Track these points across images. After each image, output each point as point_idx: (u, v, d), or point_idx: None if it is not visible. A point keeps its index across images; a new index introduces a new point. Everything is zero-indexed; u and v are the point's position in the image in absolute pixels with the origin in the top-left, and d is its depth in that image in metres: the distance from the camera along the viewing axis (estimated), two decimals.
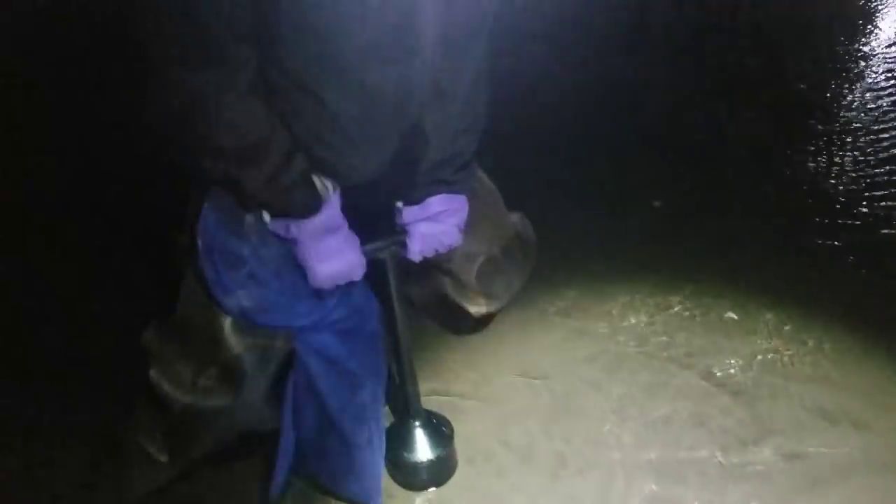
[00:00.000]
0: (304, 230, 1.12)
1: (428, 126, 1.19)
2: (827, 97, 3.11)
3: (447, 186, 1.27)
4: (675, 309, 2.05)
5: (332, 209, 1.14)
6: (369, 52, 1.00)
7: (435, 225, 1.29)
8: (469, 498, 1.55)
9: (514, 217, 1.65)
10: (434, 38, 1.05)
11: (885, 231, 2.29)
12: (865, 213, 2.37)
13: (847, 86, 3.19)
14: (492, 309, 1.64)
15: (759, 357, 1.87)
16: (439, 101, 1.16)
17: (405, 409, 1.56)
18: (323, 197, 1.12)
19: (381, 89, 1.05)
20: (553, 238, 2.30)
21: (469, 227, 1.39)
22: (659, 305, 2.06)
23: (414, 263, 1.34)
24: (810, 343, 1.90)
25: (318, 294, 1.23)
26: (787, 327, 1.95)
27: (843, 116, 2.94)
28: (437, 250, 1.32)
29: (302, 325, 1.23)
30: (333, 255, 1.17)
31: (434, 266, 1.54)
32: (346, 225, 1.19)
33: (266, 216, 1.12)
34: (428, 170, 1.24)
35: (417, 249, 1.30)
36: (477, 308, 1.63)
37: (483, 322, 1.69)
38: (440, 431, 1.58)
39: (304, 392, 1.31)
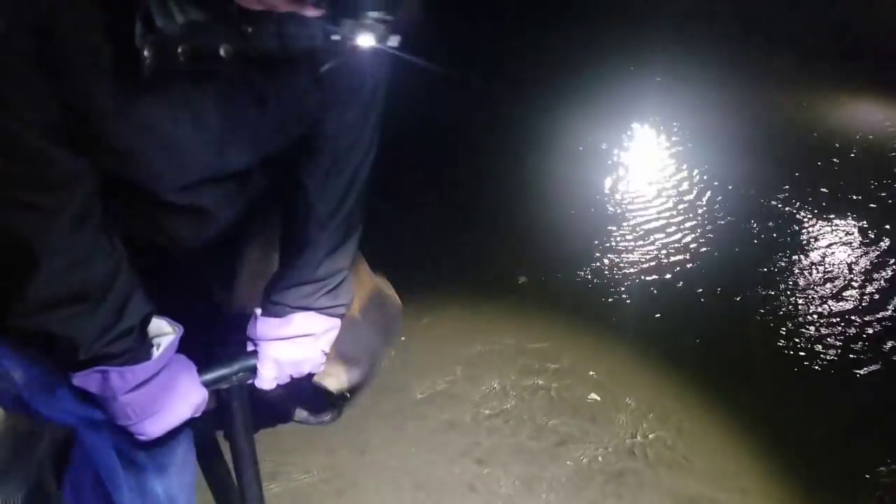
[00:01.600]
0: (129, 383, 0.91)
1: (285, 250, 1.09)
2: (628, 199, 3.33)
3: (316, 311, 1.12)
4: (543, 392, 2.04)
5: (168, 353, 0.96)
6: (192, 186, 0.91)
7: (294, 349, 1.11)
8: None
9: (376, 277, 1.52)
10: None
11: (735, 313, 2.45)
12: (708, 294, 2.52)
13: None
14: (353, 379, 1.45)
15: (624, 442, 1.90)
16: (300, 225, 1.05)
17: None
18: (156, 345, 0.95)
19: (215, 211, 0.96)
20: (417, 320, 2.24)
21: None
22: (527, 389, 2.04)
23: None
24: (670, 426, 1.96)
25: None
26: (647, 410, 2.00)
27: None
28: (291, 377, 1.15)
29: (90, 419, 0.98)
30: (166, 404, 0.97)
31: None
32: (181, 361, 1.00)
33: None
34: (288, 294, 1.10)
35: (271, 377, 1.11)
36: (335, 381, 1.43)
37: (343, 399, 1.53)
38: None
39: (88, 491, 1.08)
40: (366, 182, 1.09)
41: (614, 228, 2.83)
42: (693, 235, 2.81)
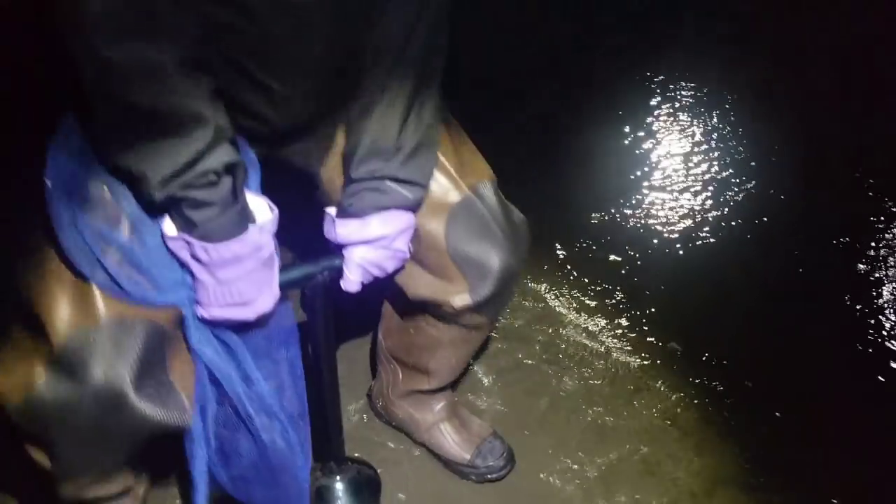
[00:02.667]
0: (214, 256, 0.87)
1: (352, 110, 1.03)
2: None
3: (395, 184, 1.04)
4: (619, 336, 1.90)
5: (262, 235, 0.91)
6: None
7: (376, 252, 1.06)
8: None
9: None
10: None
11: (829, 263, 2.23)
12: (802, 241, 2.31)
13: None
14: (480, 289, 1.15)
15: (706, 393, 1.75)
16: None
17: (326, 459, 1.31)
18: (252, 218, 0.90)
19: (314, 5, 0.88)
20: None
21: None
22: (602, 332, 1.91)
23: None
24: (755, 379, 1.80)
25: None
26: (732, 362, 1.85)
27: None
28: (377, 278, 1.10)
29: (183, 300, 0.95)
30: (240, 295, 0.92)
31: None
32: (272, 259, 0.95)
33: (168, 225, 0.88)
34: (362, 168, 1.03)
35: (357, 279, 1.07)
36: (457, 294, 1.17)
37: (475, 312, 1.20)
38: (363, 491, 1.34)
39: (202, 382, 1.06)
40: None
41: (701, 161, 2.61)
42: (790, 180, 2.57)
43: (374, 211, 1.03)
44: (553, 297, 2.00)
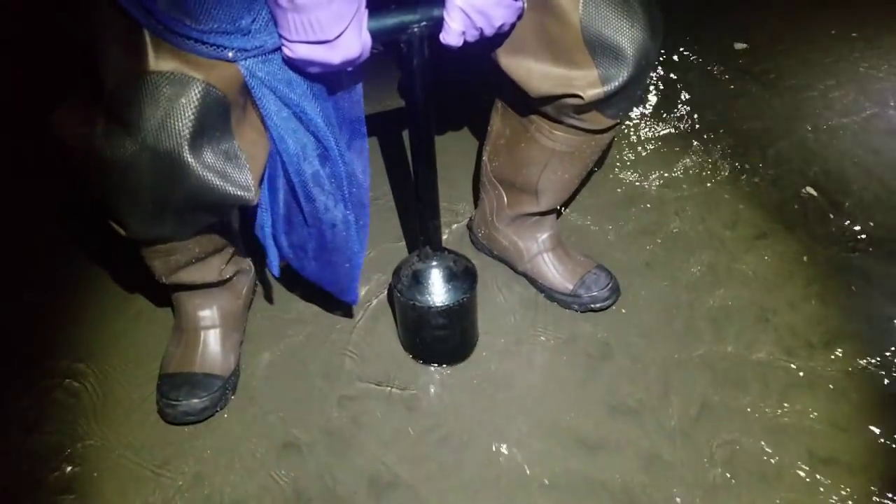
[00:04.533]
0: None
1: None
2: None
3: None
4: (747, 178, 1.75)
5: None
6: None
7: None
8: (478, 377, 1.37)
9: None
10: None
11: None
12: None
13: None
14: (614, 76, 1.04)
15: (838, 244, 1.61)
16: None
17: (422, 245, 1.26)
18: None
19: None
20: None
21: None
22: (728, 172, 1.76)
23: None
24: (888, 235, 1.63)
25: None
26: (869, 209, 1.67)
27: None
28: (482, 32, 0.97)
29: (239, 46, 0.87)
30: (320, 28, 0.83)
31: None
32: None
33: None
34: None
35: (458, 30, 0.94)
36: (586, 84, 1.05)
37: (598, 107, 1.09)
38: (458, 280, 1.27)
39: (274, 154, 1.03)
40: None
41: None
42: None
43: None
44: (674, 133, 1.86)
